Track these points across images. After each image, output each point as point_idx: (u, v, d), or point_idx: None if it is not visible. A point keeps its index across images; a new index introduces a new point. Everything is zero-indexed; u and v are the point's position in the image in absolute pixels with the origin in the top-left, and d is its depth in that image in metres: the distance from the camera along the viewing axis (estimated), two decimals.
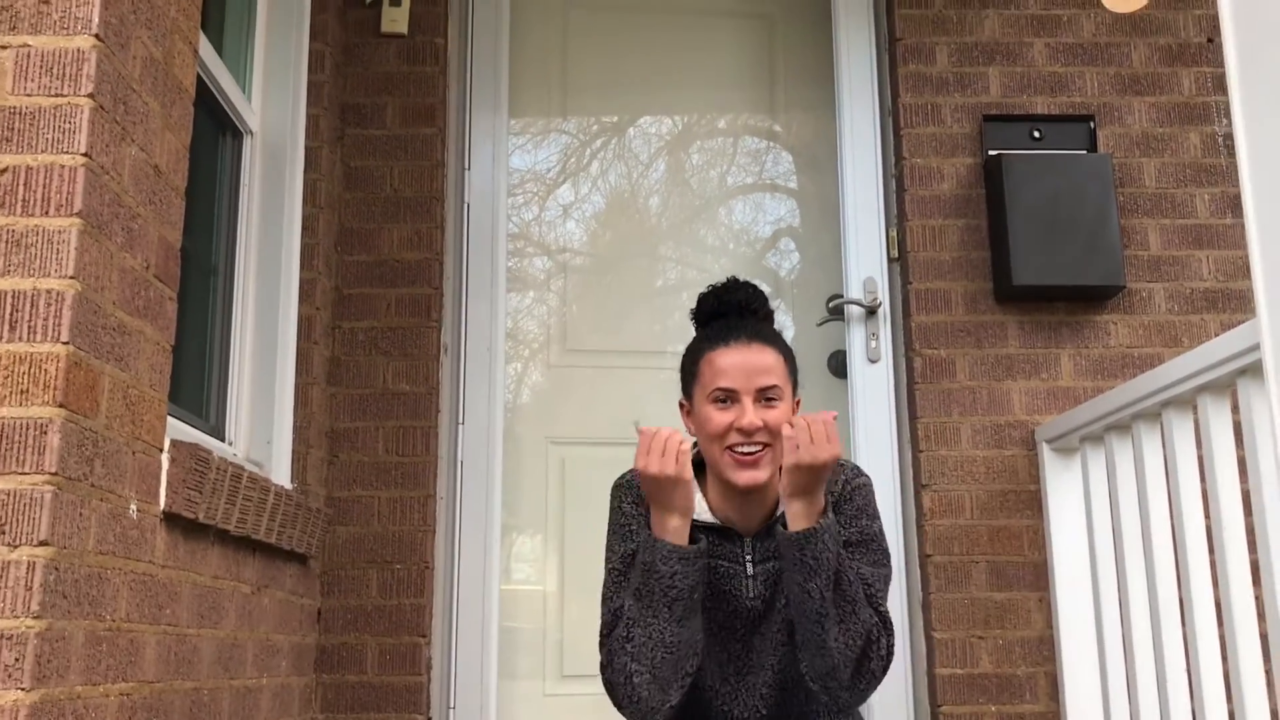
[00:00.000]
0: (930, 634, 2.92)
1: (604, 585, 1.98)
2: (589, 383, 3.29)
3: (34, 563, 1.50)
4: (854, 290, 3.20)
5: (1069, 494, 2.88)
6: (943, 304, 3.11)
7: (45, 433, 1.53)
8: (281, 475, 2.68)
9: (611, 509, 2.03)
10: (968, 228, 3.16)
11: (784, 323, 3.34)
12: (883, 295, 3.20)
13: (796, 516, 1.83)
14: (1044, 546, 2.94)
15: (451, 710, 2.96)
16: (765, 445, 1.87)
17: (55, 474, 1.52)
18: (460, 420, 3.12)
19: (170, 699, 1.93)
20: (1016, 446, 3.02)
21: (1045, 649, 2.90)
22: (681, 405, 2.01)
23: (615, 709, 1.90)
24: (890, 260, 3.23)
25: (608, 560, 1.99)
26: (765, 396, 1.89)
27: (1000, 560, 2.95)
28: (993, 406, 3.05)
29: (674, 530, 1.86)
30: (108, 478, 1.68)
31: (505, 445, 3.19)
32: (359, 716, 2.85)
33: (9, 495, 1.51)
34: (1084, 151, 3.19)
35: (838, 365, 3.26)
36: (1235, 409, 2.69)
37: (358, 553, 2.95)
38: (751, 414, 1.87)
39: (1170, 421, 2.29)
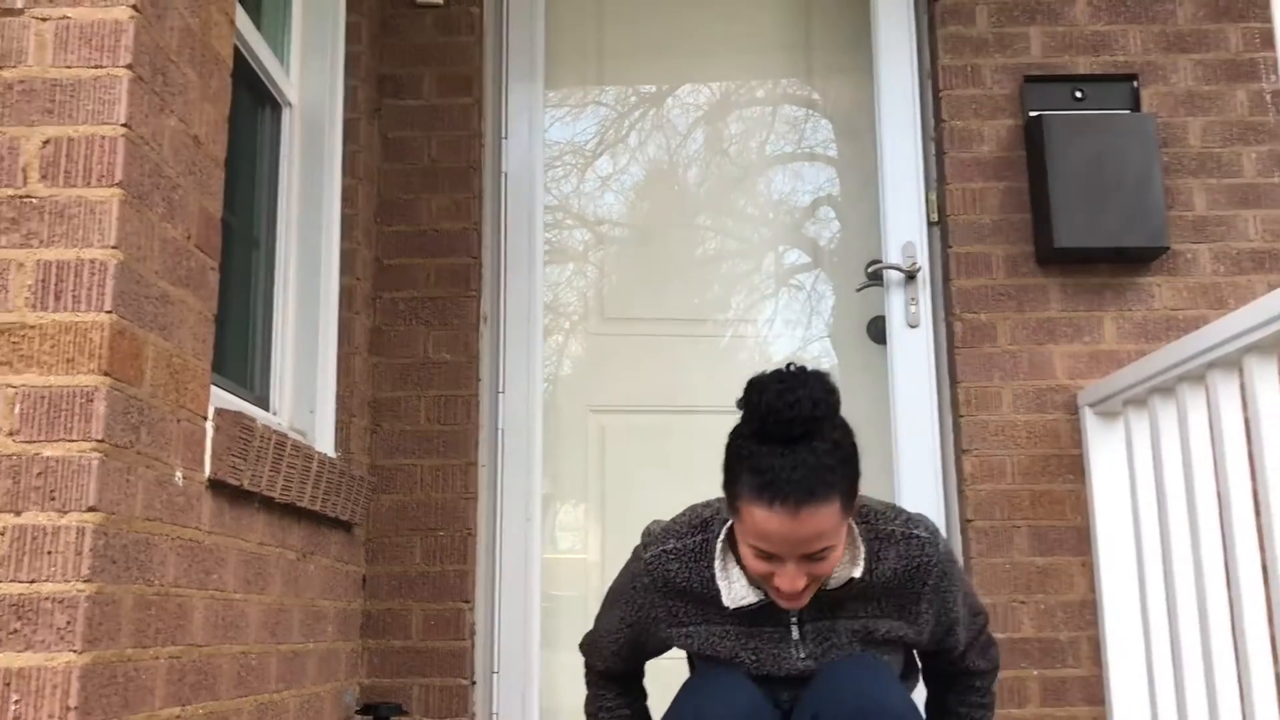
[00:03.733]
0: None
1: (603, 605, 1.99)
2: (628, 352, 3.30)
3: (83, 528, 1.53)
4: (893, 255, 3.18)
5: (1112, 458, 2.86)
6: (983, 268, 3.08)
7: (91, 400, 1.56)
8: (325, 444, 2.71)
9: (628, 572, 1.90)
10: (1008, 190, 3.13)
11: (823, 292, 3.33)
12: (922, 260, 3.17)
13: None
14: (1086, 511, 2.92)
15: (495, 675, 3.00)
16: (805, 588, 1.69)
17: (102, 441, 1.55)
18: (501, 389, 3.14)
19: (218, 663, 1.97)
20: (1058, 411, 2.99)
21: (1088, 613, 2.88)
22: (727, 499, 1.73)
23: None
24: (930, 224, 3.20)
25: (609, 596, 1.96)
26: (813, 557, 1.65)
27: (1042, 525, 2.94)
28: (1034, 370, 3.02)
29: None
30: (153, 445, 1.71)
31: (545, 414, 3.21)
32: (404, 681, 2.90)
33: (58, 462, 1.54)
34: (1127, 111, 3.14)
35: (877, 331, 3.24)
36: None
37: (401, 520, 2.98)
38: (793, 578, 1.65)
39: (1215, 383, 2.26)
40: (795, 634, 1.80)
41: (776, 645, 1.80)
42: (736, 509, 1.66)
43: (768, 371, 1.67)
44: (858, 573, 1.75)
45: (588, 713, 2.07)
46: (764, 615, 1.81)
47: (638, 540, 1.92)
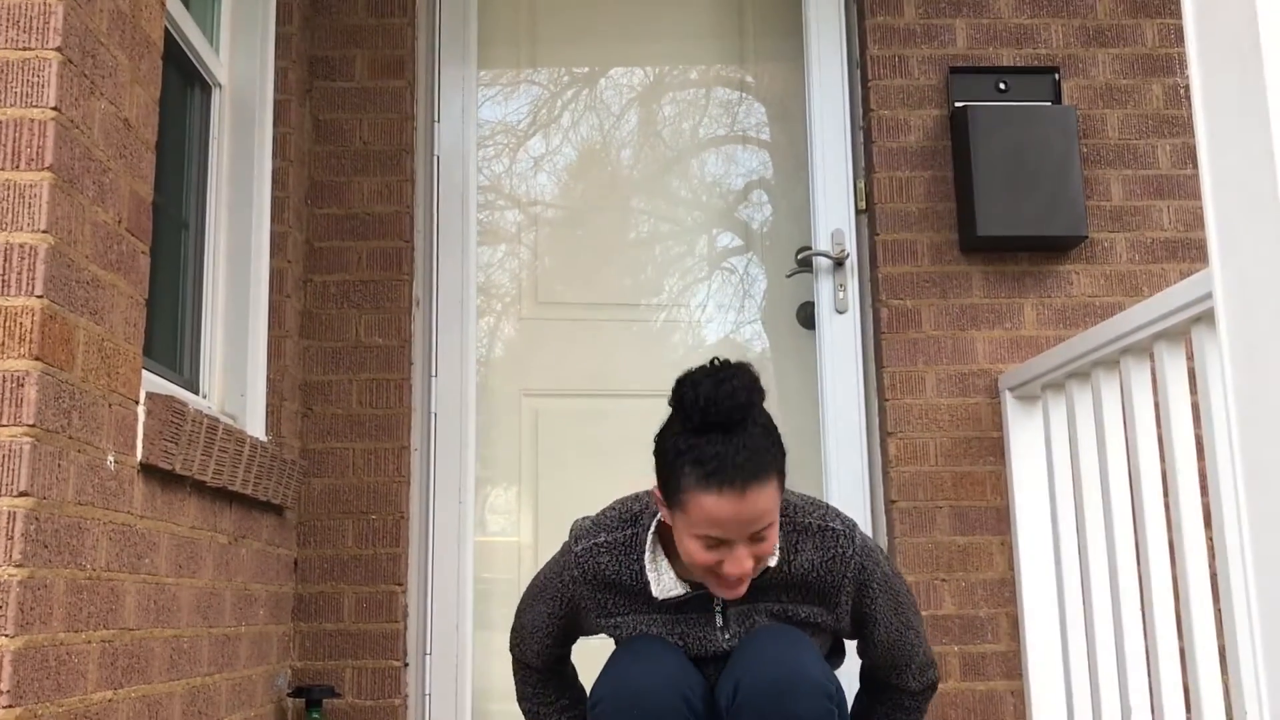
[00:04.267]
0: None
1: (524, 598, 2.04)
2: (561, 336, 3.32)
3: (14, 513, 1.52)
4: (822, 242, 3.24)
5: (1031, 440, 2.95)
6: (909, 255, 3.15)
7: (22, 385, 1.55)
8: (256, 427, 2.70)
9: (557, 564, 1.94)
10: (934, 179, 3.20)
11: (756, 275, 3.38)
12: (850, 247, 3.24)
13: None
14: (1006, 491, 3.01)
15: (428, 657, 3.02)
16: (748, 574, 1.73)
17: (33, 425, 1.55)
18: (433, 373, 3.15)
19: (151, 646, 1.97)
20: (980, 395, 3.08)
21: (1006, 590, 2.98)
22: (657, 495, 1.77)
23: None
24: (858, 212, 3.27)
25: (533, 587, 2.00)
26: (757, 537, 1.70)
27: (963, 505, 3.02)
28: (957, 356, 3.10)
29: None
30: (85, 429, 1.70)
31: (479, 398, 3.23)
32: (337, 663, 2.91)
33: None
34: (1048, 103, 3.23)
35: (806, 317, 3.30)
36: (1191, 356, 2.75)
37: (333, 504, 2.98)
38: (743, 561, 1.69)
39: (1129, 369, 2.35)
40: (719, 620, 1.86)
41: (702, 629, 1.86)
42: (681, 503, 1.69)
43: (695, 368, 1.72)
44: (773, 562, 1.80)
45: (518, 697, 2.09)
46: (689, 603, 1.87)
47: (569, 524, 1.98)
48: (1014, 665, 2.94)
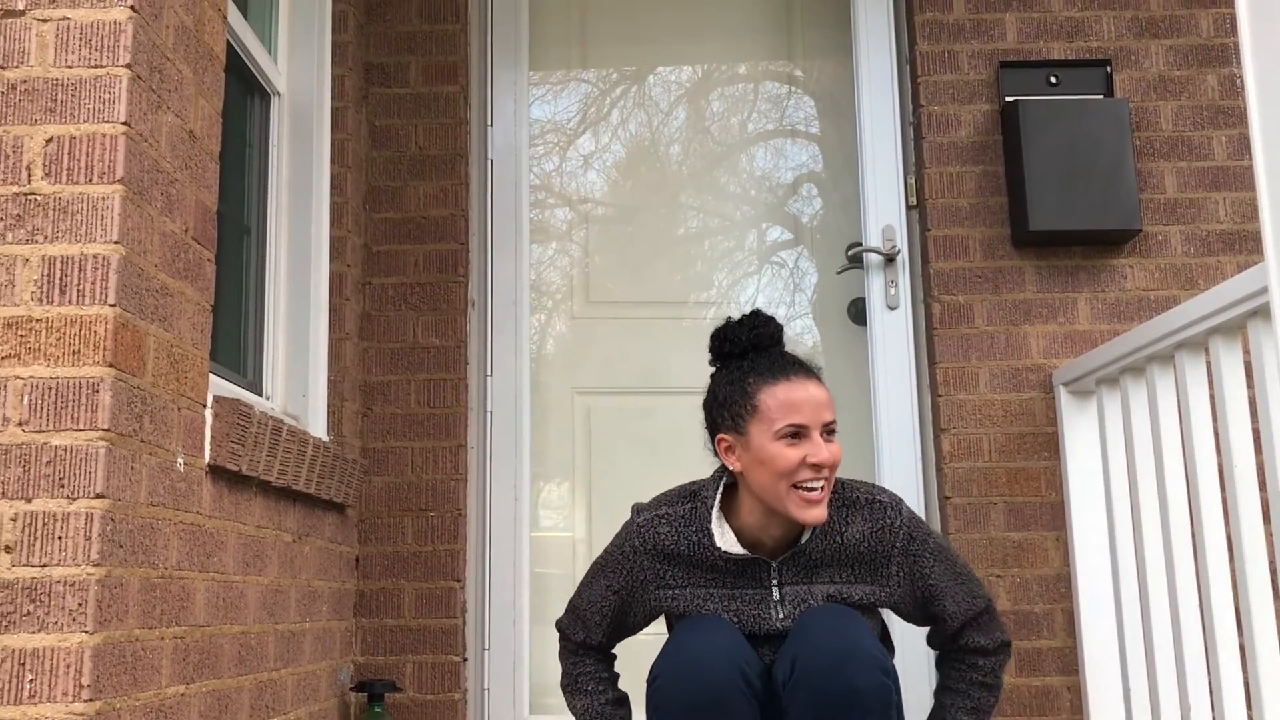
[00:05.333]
0: None
1: (584, 580, 2.08)
2: (612, 333, 3.35)
3: (92, 514, 1.58)
4: (872, 238, 3.24)
5: (1085, 435, 2.94)
6: (960, 250, 3.15)
7: (97, 391, 1.61)
8: (318, 428, 2.76)
9: (616, 544, 2.04)
10: (985, 174, 3.19)
11: (806, 269, 3.39)
12: (901, 243, 3.24)
13: None
14: (1061, 487, 3.00)
15: (486, 652, 3.07)
16: (827, 479, 1.88)
17: (108, 430, 1.61)
18: (489, 372, 3.20)
19: (220, 642, 2.03)
20: (1034, 390, 3.07)
21: (1062, 586, 2.97)
22: (721, 440, 1.95)
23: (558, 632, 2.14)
24: (908, 208, 3.27)
25: (594, 568, 2.06)
26: (828, 430, 1.90)
27: (1018, 501, 3.02)
28: (1010, 351, 3.09)
29: None
30: (156, 433, 1.76)
31: (532, 396, 3.27)
32: (397, 658, 2.97)
33: (66, 451, 1.60)
34: (1100, 96, 3.21)
35: (857, 312, 3.31)
36: (1247, 351, 2.73)
37: (393, 501, 3.04)
38: (825, 449, 1.86)
39: (1183, 363, 2.34)
40: (775, 595, 1.94)
41: (757, 606, 1.94)
42: (753, 409, 1.89)
43: (723, 322, 2.02)
44: (821, 515, 1.91)
45: (565, 685, 2.11)
46: (746, 578, 1.95)
47: (623, 519, 2.02)
48: (1070, 661, 2.94)
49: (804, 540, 1.94)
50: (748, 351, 1.97)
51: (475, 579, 3.10)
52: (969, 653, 2.02)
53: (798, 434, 1.87)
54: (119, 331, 1.65)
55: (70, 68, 1.69)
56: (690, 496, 2.01)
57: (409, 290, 3.15)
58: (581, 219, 3.42)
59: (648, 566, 1.98)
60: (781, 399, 1.87)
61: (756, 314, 1.99)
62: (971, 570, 2.02)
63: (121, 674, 1.64)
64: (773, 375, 1.90)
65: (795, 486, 1.86)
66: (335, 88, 2.99)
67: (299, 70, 2.89)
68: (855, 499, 1.97)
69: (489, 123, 3.34)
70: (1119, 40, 3.26)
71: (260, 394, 2.67)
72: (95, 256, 1.65)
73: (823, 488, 1.87)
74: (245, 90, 2.70)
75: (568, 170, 3.45)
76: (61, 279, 1.64)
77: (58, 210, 1.66)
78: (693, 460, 2.91)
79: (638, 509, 2.04)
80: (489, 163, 3.32)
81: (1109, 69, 3.24)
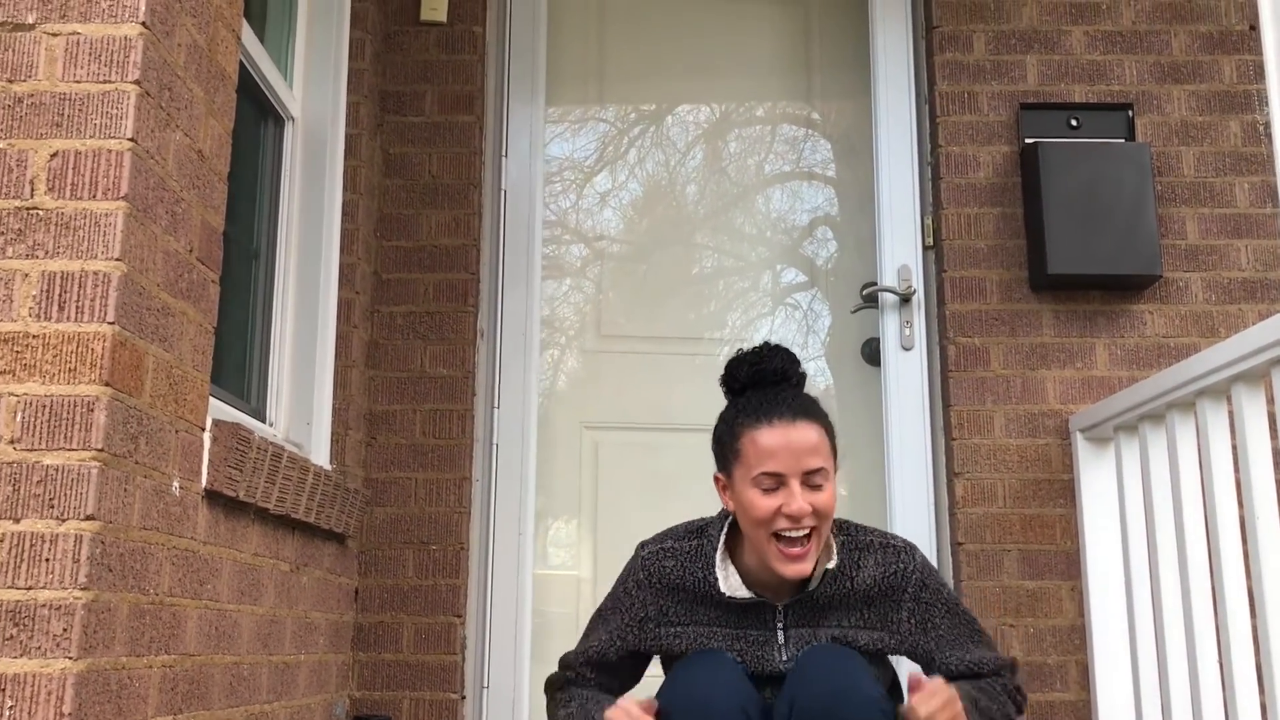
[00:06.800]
0: None
1: (589, 623, 2.02)
2: (623, 369, 3.32)
3: (81, 536, 1.54)
4: (888, 278, 3.21)
5: (1102, 483, 2.88)
6: (977, 292, 3.11)
7: (92, 410, 1.58)
8: (321, 456, 2.72)
9: (621, 577, 2.00)
10: (1003, 216, 3.16)
11: (820, 312, 3.35)
12: (917, 283, 3.20)
13: None
14: (1076, 535, 2.94)
15: (485, 690, 3.01)
16: (811, 530, 1.81)
17: (101, 450, 1.57)
18: (495, 404, 3.16)
19: (210, 672, 1.98)
20: (1050, 435, 3.02)
21: (1076, 638, 2.90)
22: (717, 479, 1.92)
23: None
24: (925, 248, 3.23)
25: (592, 622, 2.01)
26: (811, 481, 1.81)
27: (1032, 549, 2.95)
28: (1026, 395, 3.04)
29: None
30: (151, 455, 1.72)
31: (540, 430, 3.23)
32: (395, 694, 2.91)
33: (57, 470, 1.56)
34: (1122, 140, 3.18)
35: (871, 353, 3.26)
36: (1271, 400, 2.67)
37: (395, 533, 2.99)
38: (800, 499, 1.79)
39: (1205, 411, 2.29)
40: (780, 638, 1.89)
41: (761, 648, 1.90)
42: (737, 452, 1.84)
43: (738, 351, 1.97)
44: (832, 564, 1.87)
45: (552, 712, 2.01)
46: (750, 618, 1.90)
47: (629, 558, 1.98)
48: (1084, 715, 2.86)
49: (812, 586, 1.89)
50: (747, 388, 1.92)
51: (476, 615, 3.04)
52: (976, 673, 1.93)
53: (774, 481, 1.81)
54: (117, 350, 1.62)
55: (78, 82, 1.67)
56: (697, 533, 1.96)
57: (418, 319, 3.11)
58: (596, 256, 3.40)
59: (651, 602, 1.94)
60: (760, 444, 1.81)
61: (763, 347, 1.93)
62: (982, 629, 1.95)
63: (105, 702, 1.59)
64: (757, 417, 1.83)
65: (776, 536, 1.81)
66: (350, 114, 2.98)
67: (314, 96, 2.88)
68: (869, 542, 1.92)
69: (504, 153, 3.32)
70: (1141, 84, 3.23)
71: (264, 420, 2.64)
72: (96, 273, 1.62)
73: (806, 539, 1.80)
74: (259, 114, 2.69)
75: (584, 208, 3.43)
76: (61, 295, 1.61)
77: (60, 226, 1.63)
78: (701, 498, 2.86)
79: (643, 544, 2.00)
80: (503, 193, 3.29)
81: (1130, 113, 3.21)
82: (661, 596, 1.93)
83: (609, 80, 3.51)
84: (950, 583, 3.00)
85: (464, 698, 2.98)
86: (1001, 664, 1.92)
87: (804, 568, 1.81)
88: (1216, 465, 2.25)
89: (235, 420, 2.28)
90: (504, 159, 3.32)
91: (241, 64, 2.47)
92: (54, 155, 1.65)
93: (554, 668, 3.09)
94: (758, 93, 3.52)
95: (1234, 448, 2.28)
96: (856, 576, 1.89)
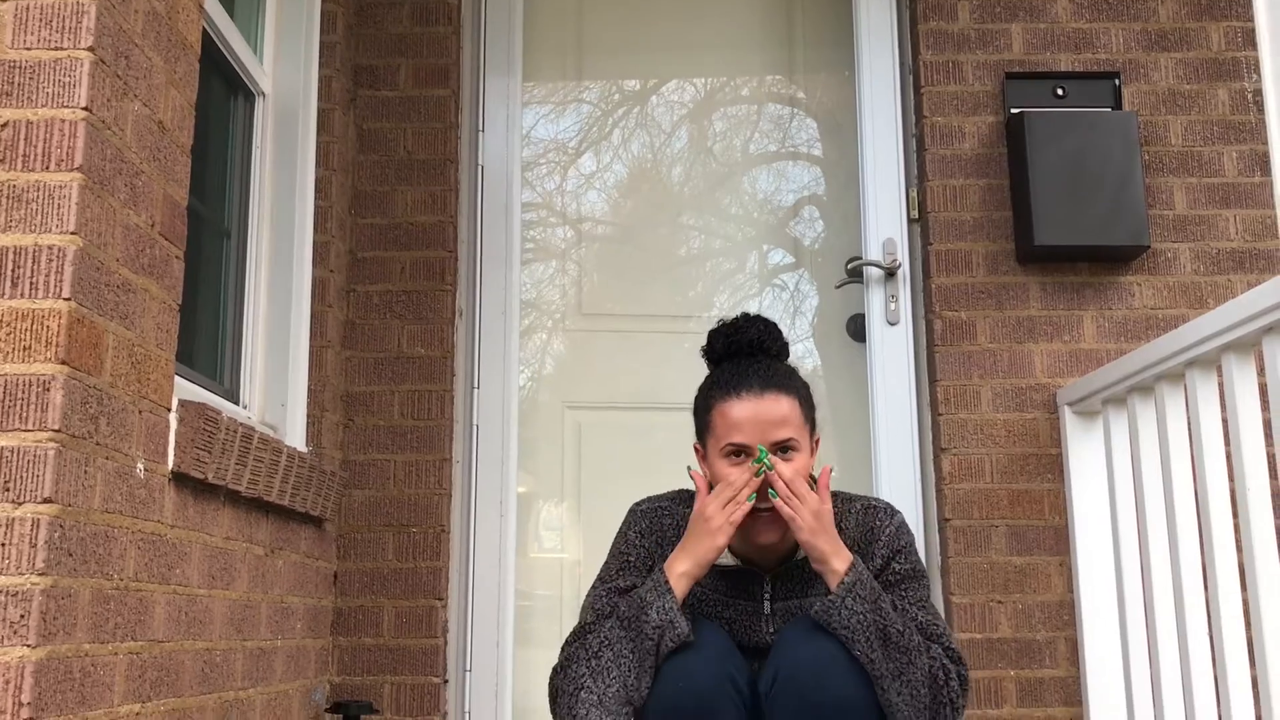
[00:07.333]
0: (949, 598, 2.89)
1: (589, 594, 1.95)
2: (608, 349, 3.27)
3: (38, 520, 1.49)
4: (873, 252, 3.16)
5: (1091, 457, 2.84)
6: (963, 265, 3.06)
7: (48, 390, 1.52)
8: (296, 438, 2.67)
9: (621, 531, 1.99)
10: (989, 187, 3.11)
11: (807, 292, 3.30)
12: (902, 257, 3.15)
13: (827, 576, 1.81)
14: (1065, 510, 2.90)
15: (468, 674, 2.96)
16: (785, 499, 1.82)
17: (59, 431, 1.52)
18: (476, 385, 3.11)
19: (181, 659, 1.93)
20: (1038, 409, 2.98)
21: (1065, 613, 2.87)
22: (696, 449, 1.96)
23: (550, 712, 1.89)
24: (910, 221, 3.18)
25: (602, 575, 1.96)
26: (780, 449, 1.84)
27: (1020, 524, 2.92)
28: (1014, 369, 3.00)
29: (680, 575, 1.82)
30: (113, 436, 1.67)
31: (521, 410, 3.18)
32: (375, 679, 2.86)
33: (13, 452, 1.50)
34: (1109, 109, 3.13)
35: (856, 329, 3.22)
36: (1261, 370, 2.64)
37: (374, 516, 2.94)
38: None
39: (1194, 382, 2.25)
40: (766, 609, 1.91)
41: (749, 619, 1.92)
42: (709, 424, 1.87)
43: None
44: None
45: (573, 688, 1.85)
46: (739, 588, 1.93)
47: (611, 542, 2.02)
48: (1073, 692, 2.83)
49: (799, 555, 1.91)
50: (724, 358, 1.94)
51: (458, 598, 2.99)
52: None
53: (740, 452, 1.84)
54: (74, 327, 1.56)
55: (29, 49, 1.61)
56: (688, 500, 1.99)
57: (394, 298, 3.06)
58: (580, 238, 3.34)
59: (654, 549, 1.93)
60: (729, 416, 1.84)
61: (740, 318, 1.96)
62: (936, 611, 1.91)
63: (68, 690, 1.54)
64: (726, 389, 1.86)
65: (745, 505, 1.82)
66: (322, 89, 2.91)
67: (285, 71, 2.81)
68: (853, 507, 1.96)
69: (480, 128, 3.26)
70: (1128, 53, 3.18)
71: (237, 402, 2.58)
72: (50, 248, 1.56)
73: (774, 509, 1.81)
74: (228, 90, 2.62)
75: (568, 190, 3.37)
76: (14, 271, 1.55)
77: (12, 199, 1.57)
78: (685, 478, 2.81)
79: (637, 504, 2.01)
80: (480, 169, 3.23)
81: (1117, 82, 3.16)
82: (662, 547, 1.94)
83: (588, 56, 3.44)
84: (938, 560, 2.96)
85: (446, 681, 2.93)
86: (946, 641, 1.87)
87: (773, 535, 1.83)
88: (1206, 437, 2.22)
89: (202, 400, 2.22)
90: (480, 134, 3.25)
91: (209, 37, 2.41)
92: (4, 125, 1.59)
93: (538, 650, 3.06)
94: (741, 68, 3.46)
95: (1224, 419, 2.24)
96: (840, 532, 1.91)
